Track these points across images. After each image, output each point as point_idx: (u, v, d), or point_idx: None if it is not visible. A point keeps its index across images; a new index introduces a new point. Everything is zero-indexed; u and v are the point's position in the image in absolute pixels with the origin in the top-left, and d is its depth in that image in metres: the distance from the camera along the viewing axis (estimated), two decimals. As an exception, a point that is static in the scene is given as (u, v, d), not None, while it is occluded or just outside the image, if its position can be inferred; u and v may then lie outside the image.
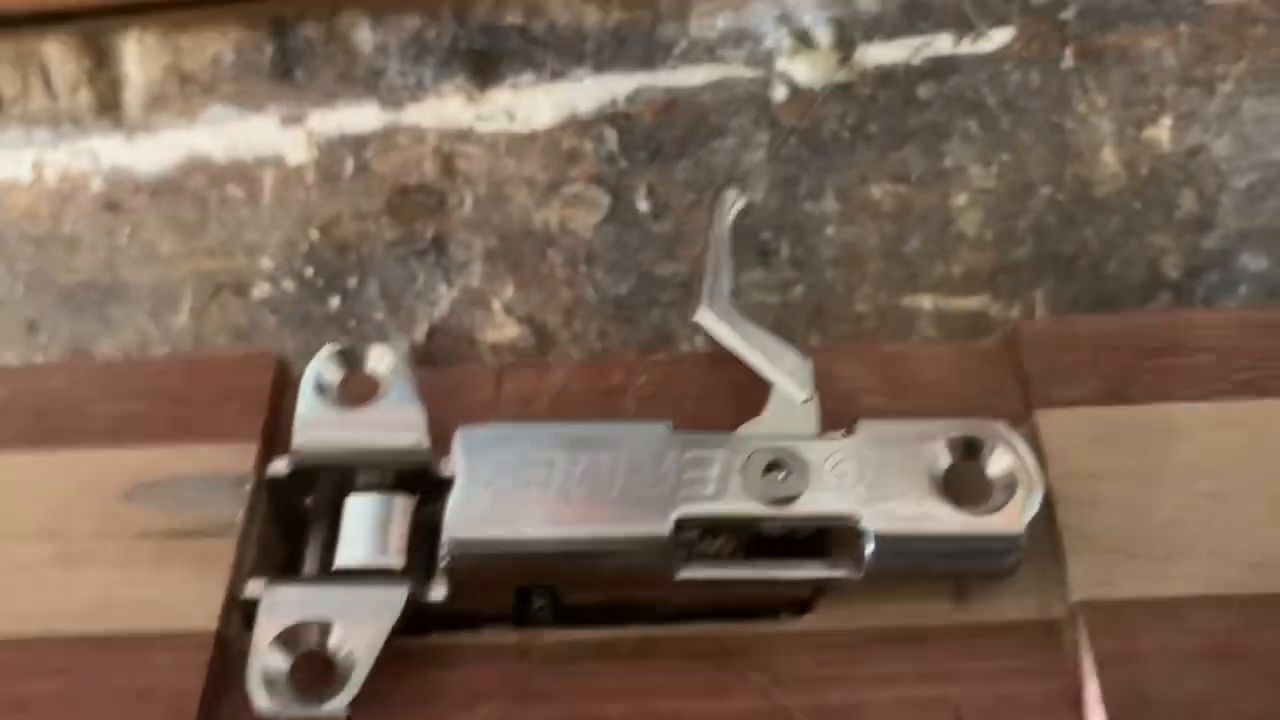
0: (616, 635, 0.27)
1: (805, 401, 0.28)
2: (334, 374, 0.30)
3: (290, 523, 0.30)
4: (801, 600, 0.28)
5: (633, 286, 0.47)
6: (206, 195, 0.48)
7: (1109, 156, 0.48)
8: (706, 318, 0.29)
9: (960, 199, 0.47)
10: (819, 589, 0.27)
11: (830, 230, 0.48)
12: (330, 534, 0.29)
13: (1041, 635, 0.26)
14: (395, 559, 0.28)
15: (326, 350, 0.30)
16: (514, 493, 0.27)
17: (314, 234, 0.48)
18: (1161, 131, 0.48)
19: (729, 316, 0.29)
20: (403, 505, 0.28)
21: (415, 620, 0.27)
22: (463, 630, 0.28)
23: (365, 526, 0.28)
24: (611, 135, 0.48)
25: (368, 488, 0.29)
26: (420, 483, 0.29)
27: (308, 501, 0.29)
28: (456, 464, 0.27)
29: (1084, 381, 0.29)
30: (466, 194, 0.49)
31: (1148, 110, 0.48)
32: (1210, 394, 0.29)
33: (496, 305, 0.47)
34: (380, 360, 0.30)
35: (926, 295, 0.47)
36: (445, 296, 0.47)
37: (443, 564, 0.27)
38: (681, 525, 0.26)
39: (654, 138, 0.48)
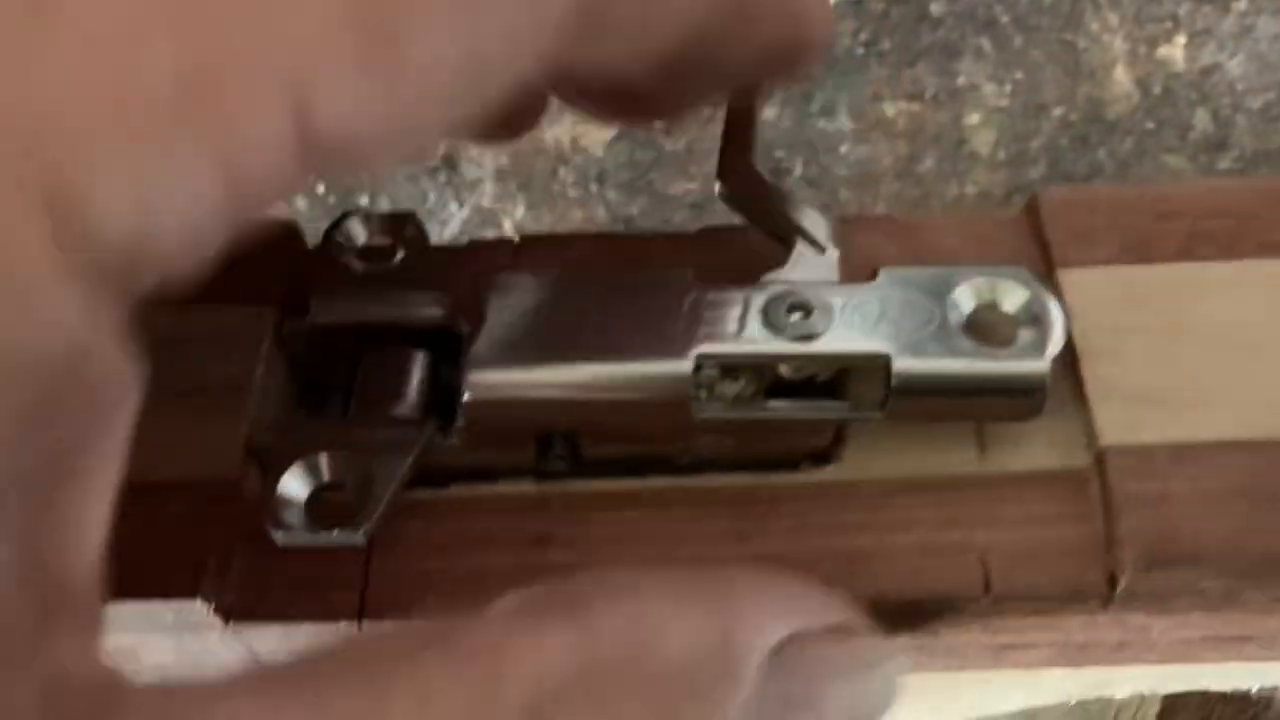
0: (636, 485, 0.27)
1: (826, 254, 0.28)
2: (352, 237, 0.29)
3: (306, 387, 0.29)
4: (821, 450, 0.27)
5: (644, 206, 0.47)
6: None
7: (1122, 76, 0.48)
8: (731, 180, 0.29)
9: (973, 118, 0.47)
10: (839, 437, 0.27)
11: (844, 149, 0.47)
12: (346, 395, 0.29)
13: (1067, 483, 0.26)
14: (412, 410, 0.27)
15: (344, 215, 0.30)
16: (535, 335, 0.26)
17: (324, 150, 0.48)
18: (1175, 50, 0.48)
19: (750, 181, 0.29)
20: (421, 360, 0.28)
21: (433, 473, 0.27)
22: (481, 483, 0.27)
23: (382, 379, 0.28)
24: (624, 49, 0.48)
25: (385, 344, 0.29)
26: (438, 341, 0.28)
27: (324, 365, 0.29)
28: (477, 309, 0.27)
29: (1106, 243, 0.29)
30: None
31: (1161, 28, 0.47)
32: (1234, 255, 0.29)
33: (508, 225, 0.47)
34: (398, 224, 0.30)
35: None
36: (456, 216, 0.47)
37: (462, 408, 0.26)
38: (701, 363, 0.26)
39: (666, 53, 0.48)
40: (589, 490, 0.27)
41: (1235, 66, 0.48)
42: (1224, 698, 0.40)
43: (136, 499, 0.26)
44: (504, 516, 0.27)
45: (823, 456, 0.27)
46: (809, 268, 0.28)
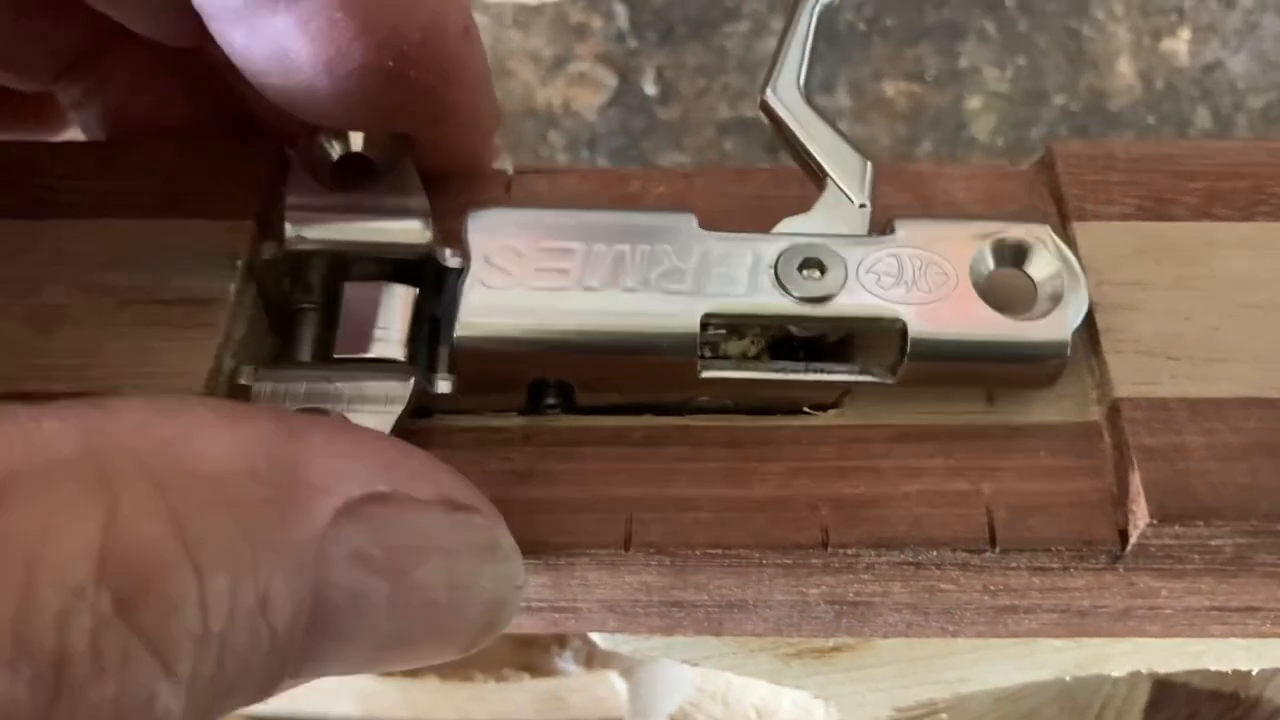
0: (628, 423, 0.26)
1: (860, 206, 0.26)
2: (328, 155, 0.28)
3: (281, 316, 0.28)
4: (824, 406, 0.26)
5: (635, 176, 0.45)
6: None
7: (1125, 67, 0.47)
8: (772, 100, 0.28)
9: (974, 102, 0.46)
10: (844, 393, 0.26)
11: (841, 128, 0.46)
12: (324, 327, 0.27)
13: (1078, 437, 0.25)
14: (397, 349, 0.26)
15: (319, 133, 0.28)
16: (530, 279, 0.25)
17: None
18: (1179, 44, 0.47)
19: (795, 105, 0.28)
20: (404, 295, 0.27)
21: (417, 410, 0.25)
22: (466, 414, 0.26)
23: (364, 314, 0.26)
24: (622, 11, 0.46)
25: (366, 277, 0.27)
26: (421, 274, 0.27)
27: (300, 294, 0.28)
28: (468, 247, 0.25)
29: (1122, 199, 0.28)
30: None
31: (1166, 21, 0.47)
32: (1253, 215, 0.28)
33: (493, 188, 0.45)
34: (377, 144, 0.28)
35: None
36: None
37: (450, 354, 0.25)
38: (708, 321, 0.25)
39: (665, 17, 0.46)
40: (577, 425, 0.26)
41: (1238, 64, 0.47)
42: (1212, 695, 0.39)
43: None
44: (489, 449, 0.25)
45: (823, 404, 0.26)
46: (833, 217, 0.26)
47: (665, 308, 0.25)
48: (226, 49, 0.27)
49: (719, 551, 0.24)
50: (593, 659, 0.37)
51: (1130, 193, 0.28)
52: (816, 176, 0.27)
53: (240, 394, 0.25)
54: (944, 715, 0.31)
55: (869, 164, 0.27)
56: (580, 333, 0.25)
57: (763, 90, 0.27)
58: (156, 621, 0.17)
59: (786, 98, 0.28)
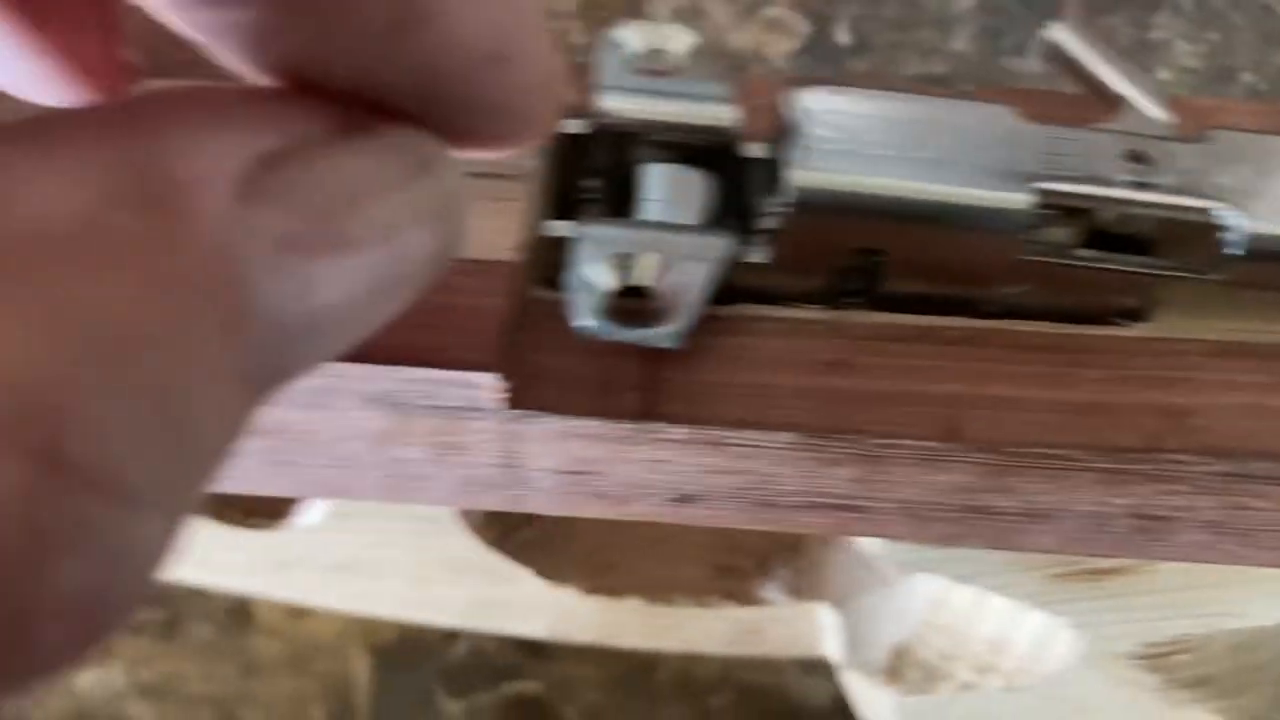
0: (939, 323, 0.26)
1: (1165, 122, 0.26)
2: (634, 44, 0.28)
3: (564, 207, 0.28)
4: (1133, 310, 0.26)
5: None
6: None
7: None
8: (1060, 33, 0.28)
9: (1163, 75, 0.46)
10: (1151, 301, 0.26)
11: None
12: (624, 205, 0.27)
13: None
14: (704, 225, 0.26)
15: (625, 23, 0.28)
16: (857, 148, 0.25)
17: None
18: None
19: (1085, 36, 0.28)
20: (706, 180, 0.27)
21: (721, 292, 0.25)
22: (772, 305, 0.26)
23: (670, 192, 0.26)
24: (823, -42, 0.47)
25: (667, 160, 0.27)
26: (721, 162, 0.27)
27: (588, 181, 0.28)
28: (795, 117, 0.25)
29: None
30: (660, 5, 0.47)
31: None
32: None
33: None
34: (679, 39, 0.28)
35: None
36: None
37: (776, 217, 0.25)
38: (1047, 200, 0.24)
39: (865, -33, 0.46)
40: (886, 321, 0.26)
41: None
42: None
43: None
44: (797, 339, 0.25)
45: (1133, 314, 0.26)
46: (1138, 125, 0.26)
47: (1000, 182, 0.24)
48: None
49: (1047, 450, 0.24)
50: (800, 589, 0.36)
51: None
52: (1109, 100, 0.27)
53: (557, 248, 0.25)
54: (1185, 656, 0.31)
55: (1165, 89, 0.27)
56: (915, 197, 0.24)
57: (1048, 24, 0.27)
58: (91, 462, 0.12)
59: (1077, 30, 0.28)
